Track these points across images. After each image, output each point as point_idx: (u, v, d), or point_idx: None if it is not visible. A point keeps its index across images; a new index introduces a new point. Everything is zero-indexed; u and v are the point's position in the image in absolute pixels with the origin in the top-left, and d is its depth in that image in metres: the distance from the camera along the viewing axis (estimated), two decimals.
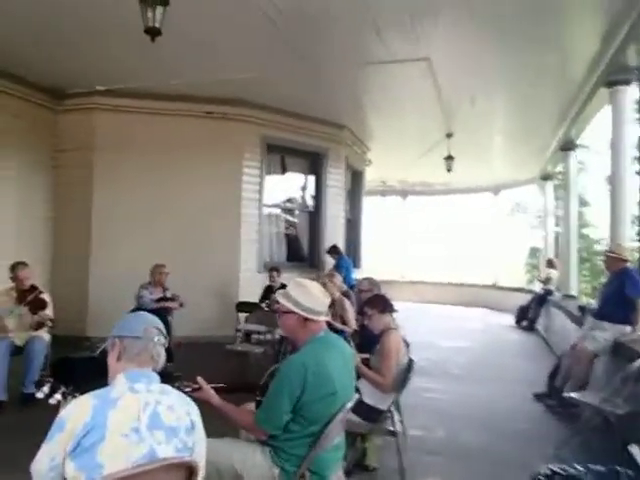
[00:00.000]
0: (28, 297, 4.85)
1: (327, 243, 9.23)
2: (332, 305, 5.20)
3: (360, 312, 4.57)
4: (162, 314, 5.94)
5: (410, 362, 3.29)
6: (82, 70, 6.89)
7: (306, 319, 2.31)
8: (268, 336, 6.56)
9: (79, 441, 1.55)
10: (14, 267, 4.97)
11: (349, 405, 2.29)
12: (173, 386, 2.04)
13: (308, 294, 2.35)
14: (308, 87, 7.35)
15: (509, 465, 3.72)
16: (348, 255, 9.94)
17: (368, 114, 9.01)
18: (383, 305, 3.55)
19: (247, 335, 6.82)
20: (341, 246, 9.74)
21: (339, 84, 7.33)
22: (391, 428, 3.19)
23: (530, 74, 6.59)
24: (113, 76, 6.92)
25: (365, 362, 3.37)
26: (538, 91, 7.16)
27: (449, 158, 9.77)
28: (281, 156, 9.08)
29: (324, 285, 5.18)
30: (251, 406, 2.44)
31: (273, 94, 7.72)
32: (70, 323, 6.42)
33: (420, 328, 9.80)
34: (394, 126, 9.50)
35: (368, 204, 12.65)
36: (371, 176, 12.82)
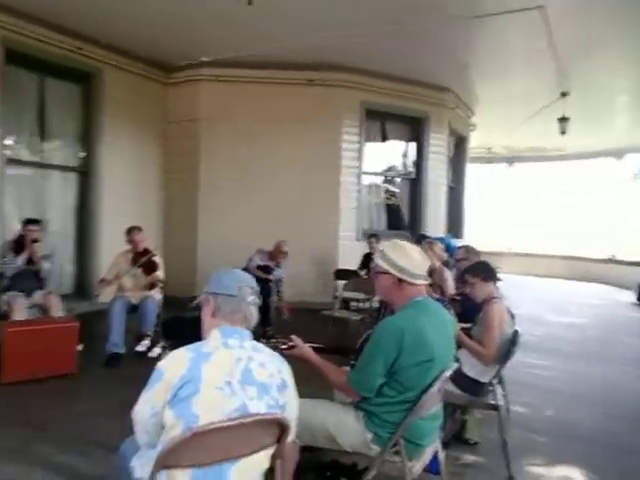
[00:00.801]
0: (142, 259, 5.18)
1: (429, 211, 8.97)
2: (431, 274, 5.05)
3: (459, 280, 4.37)
4: (262, 279, 6.13)
5: (515, 334, 3.08)
6: (189, 43, 7.13)
7: (402, 281, 2.20)
8: (366, 304, 6.54)
9: (176, 392, 1.59)
10: (130, 231, 5.33)
11: (447, 373, 2.17)
12: (267, 344, 2.05)
13: (406, 256, 2.23)
14: (410, 49, 7.04)
15: (622, 449, 3.43)
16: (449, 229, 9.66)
17: (473, 75, 8.46)
18: (486, 273, 3.33)
19: (345, 302, 6.85)
20: (442, 215, 9.43)
21: (443, 43, 6.94)
22: (493, 402, 3.02)
23: None
24: (217, 47, 7.09)
25: (466, 332, 3.21)
26: None
27: (563, 119, 8.97)
28: (381, 122, 8.86)
29: (424, 251, 5.04)
30: (346, 369, 2.40)
31: (373, 58, 7.51)
32: (180, 285, 6.82)
33: (528, 302, 9.30)
34: (502, 86, 8.86)
35: (472, 171, 12.07)
36: (475, 142, 12.19)
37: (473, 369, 3.07)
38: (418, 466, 2.19)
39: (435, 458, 2.53)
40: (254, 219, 7.38)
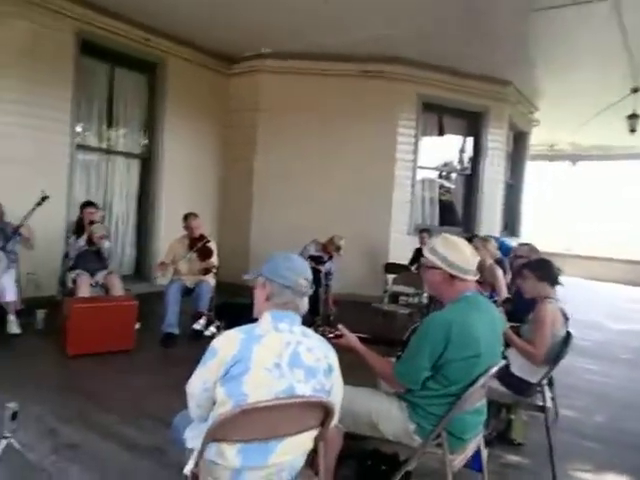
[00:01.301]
0: (197, 245, 5.36)
1: (484, 208, 8.78)
2: (482, 272, 4.97)
3: (514, 277, 4.29)
4: (313, 268, 6.21)
5: (568, 335, 3.00)
6: (251, 34, 7.25)
7: (452, 276, 2.21)
8: (416, 298, 6.52)
9: (228, 369, 1.68)
10: (186, 217, 5.52)
11: (493, 370, 2.16)
12: (315, 332, 2.11)
13: (456, 251, 2.23)
14: (469, 41, 6.87)
15: None
16: (506, 223, 9.41)
17: (537, 68, 8.16)
18: (544, 272, 3.21)
19: (395, 296, 6.84)
20: (498, 212, 9.21)
21: (505, 35, 6.74)
22: (540, 403, 2.96)
23: None
24: (277, 39, 7.20)
25: (515, 331, 3.16)
26: None
27: (634, 117, 8.54)
28: (438, 116, 8.72)
29: (476, 249, 4.96)
30: (392, 360, 2.43)
31: (431, 50, 7.39)
32: (234, 272, 7.00)
33: (586, 306, 8.96)
34: (567, 81, 8.50)
35: (532, 169, 11.69)
36: (537, 139, 11.79)
37: (522, 369, 3.03)
38: (459, 460, 2.20)
39: (478, 455, 2.53)
40: (307, 210, 7.47)
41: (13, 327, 4.87)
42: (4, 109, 5.73)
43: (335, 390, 1.86)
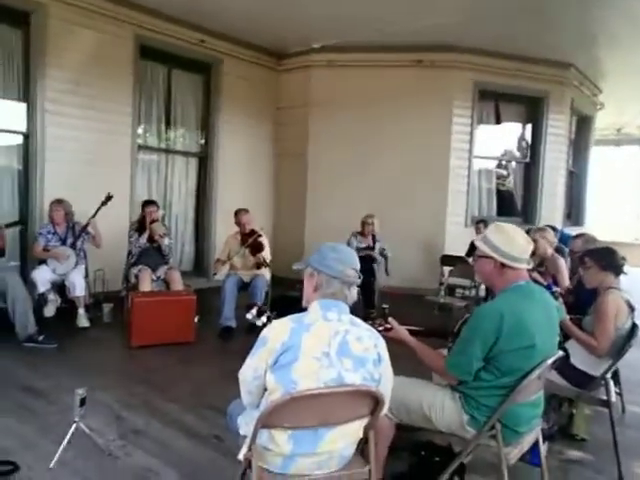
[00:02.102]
0: (249, 240, 5.46)
1: (544, 197, 8.46)
2: (542, 263, 4.80)
3: (574, 268, 4.12)
4: (367, 261, 6.20)
5: (633, 327, 2.86)
6: (300, 30, 7.30)
7: (504, 265, 2.15)
8: (473, 291, 6.38)
9: (277, 357, 1.71)
10: (237, 213, 5.62)
11: (549, 361, 2.09)
12: (365, 322, 2.12)
13: (508, 239, 2.17)
14: (527, 23, 6.61)
15: None
16: (569, 213, 9.04)
17: (602, 48, 7.73)
18: (607, 261, 3.06)
19: (451, 289, 6.72)
20: (560, 201, 8.84)
21: (566, 15, 6.43)
22: (604, 397, 2.83)
23: None
24: (327, 33, 7.20)
25: (577, 323, 3.04)
26: None
27: None
28: (495, 103, 8.46)
29: (535, 241, 4.79)
30: (443, 352, 2.40)
31: (486, 36, 7.16)
32: (289, 266, 7.10)
33: None
34: (634, 60, 8.02)
35: (598, 155, 11.13)
36: (603, 122, 11.21)
37: (583, 361, 2.91)
38: (514, 453, 2.15)
39: (536, 449, 2.46)
40: (361, 202, 7.42)
41: (82, 320, 5.16)
42: (71, 113, 6.05)
43: (384, 380, 1.86)
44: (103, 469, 2.57)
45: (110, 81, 6.41)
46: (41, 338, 4.48)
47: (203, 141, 7.84)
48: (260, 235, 5.46)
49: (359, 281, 1.90)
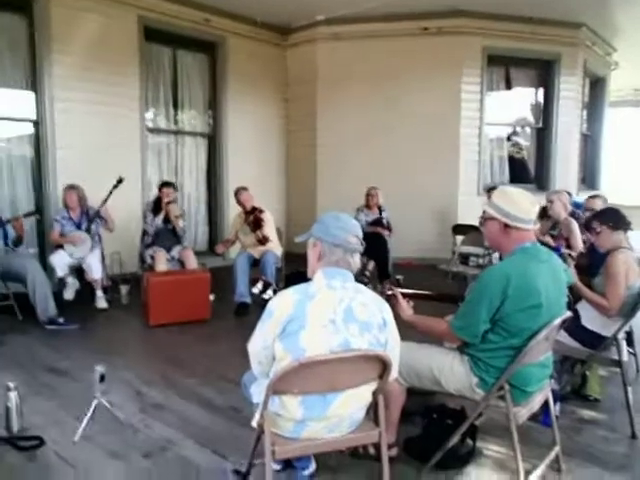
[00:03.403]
0: (250, 217, 5.49)
1: (558, 162, 8.33)
2: (556, 226, 4.77)
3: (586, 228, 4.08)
4: (376, 234, 6.21)
5: None
6: (304, 3, 7.20)
7: (507, 226, 2.15)
8: (486, 259, 6.36)
9: (284, 327, 1.75)
10: (236, 192, 5.63)
11: (557, 321, 2.10)
12: (371, 287, 2.14)
13: (511, 200, 2.16)
14: None
15: None
16: (583, 177, 8.89)
17: (615, 4, 7.49)
18: (616, 220, 3.03)
19: (464, 257, 6.71)
20: (574, 166, 8.70)
21: None
22: (616, 357, 2.84)
23: None
24: (331, 4, 7.10)
25: (587, 284, 3.02)
26: None
27: None
28: (505, 68, 8.29)
29: (550, 202, 4.76)
30: (448, 318, 2.41)
31: None
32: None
33: None
34: None
35: (614, 117, 10.88)
36: (619, 83, 10.91)
37: (593, 322, 2.91)
38: (523, 412, 2.17)
39: (548, 410, 2.49)
40: (372, 175, 7.38)
41: (101, 302, 5.28)
42: (80, 98, 6.07)
43: (391, 344, 1.89)
44: (125, 441, 2.66)
45: (116, 65, 6.42)
46: (62, 320, 4.60)
47: (211, 121, 7.83)
48: (262, 211, 5.48)
49: (362, 248, 1.92)
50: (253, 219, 5.42)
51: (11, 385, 2.71)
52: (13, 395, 2.70)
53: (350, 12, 7.21)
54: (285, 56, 8.49)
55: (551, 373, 2.39)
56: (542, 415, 2.70)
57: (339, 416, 1.83)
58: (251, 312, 5.05)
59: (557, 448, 2.43)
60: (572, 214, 4.80)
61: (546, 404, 2.42)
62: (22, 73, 5.90)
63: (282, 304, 1.80)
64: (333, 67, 7.93)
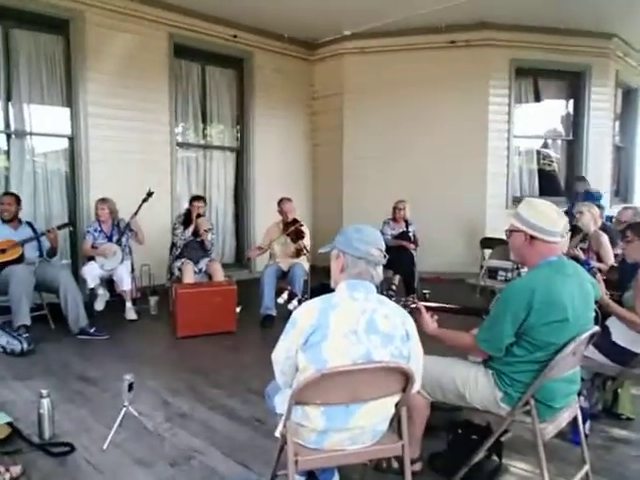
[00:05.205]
0: (290, 228, 5.56)
1: (589, 175, 8.17)
2: (585, 239, 4.68)
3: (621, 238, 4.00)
4: (404, 249, 6.19)
5: None
6: (330, 18, 7.29)
7: (533, 237, 2.13)
8: (514, 273, 6.26)
9: (307, 337, 1.77)
10: (280, 202, 5.73)
11: (583, 336, 2.06)
12: (396, 301, 2.15)
13: (537, 212, 2.14)
14: None
15: None
16: (616, 190, 8.69)
17: None
18: None
19: (492, 272, 6.63)
20: (606, 179, 8.52)
21: None
22: None
23: None
24: (357, 19, 7.17)
25: (617, 300, 2.96)
26: None
27: None
28: (533, 80, 8.22)
29: (580, 213, 4.68)
30: (473, 332, 2.39)
31: (522, 10, 6.95)
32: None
33: None
34: None
35: None
36: None
37: (625, 337, 2.84)
38: (550, 428, 2.13)
39: (576, 427, 2.44)
40: (399, 188, 7.38)
41: (130, 313, 5.39)
42: (111, 115, 6.26)
43: (414, 356, 1.88)
44: (152, 449, 2.71)
45: (147, 81, 6.61)
46: (93, 330, 4.71)
47: (239, 135, 7.96)
48: (302, 224, 5.58)
49: (384, 260, 1.93)
50: (295, 230, 5.49)
51: (44, 392, 2.79)
52: (46, 402, 2.78)
53: (376, 26, 7.27)
54: (312, 70, 8.59)
55: (580, 390, 2.34)
56: (571, 433, 2.64)
57: (361, 427, 1.83)
58: (276, 324, 5.08)
59: (586, 467, 2.37)
60: (603, 227, 4.71)
61: (575, 421, 2.36)
62: (59, 90, 6.14)
63: (306, 314, 1.82)
64: (359, 81, 8.00)
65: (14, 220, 4.99)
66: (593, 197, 7.02)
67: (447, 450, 2.54)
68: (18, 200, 5.06)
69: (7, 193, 5.19)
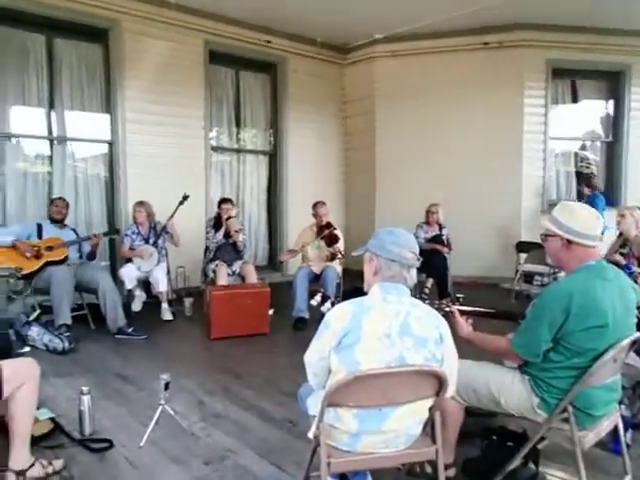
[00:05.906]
0: (325, 232, 5.57)
1: (629, 177, 7.95)
2: (626, 243, 4.55)
3: None
4: (437, 252, 6.13)
5: None
6: (362, 22, 7.30)
7: (570, 242, 2.09)
8: (550, 278, 6.14)
9: (340, 340, 1.77)
10: (315, 205, 5.77)
11: (624, 342, 2.01)
12: (430, 304, 2.13)
13: (573, 215, 2.10)
14: None
15: None
16: None
17: None
18: None
19: (528, 276, 6.51)
20: None
21: None
22: None
23: None
24: (389, 22, 7.16)
25: None
26: None
27: None
28: (571, 81, 8.04)
29: (621, 216, 4.55)
30: (508, 336, 2.35)
31: (557, 9, 6.80)
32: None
33: None
34: None
35: None
36: None
37: None
38: (590, 437, 2.08)
39: (617, 437, 2.38)
40: (431, 191, 7.33)
41: (166, 314, 5.50)
42: (149, 120, 6.43)
43: (448, 360, 1.86)
44: (186, 448, 2.76)
45: (182, 87, 6.75)
46: (130, 330, 4.83)
47: (272, 139, 8.04)
48: (335, 228, 5.60)
49: (418, 263, 1.92)
50: (329, 234, 5.52)
51: (84, 389, 2.88)
52: (86, 399, 2.86)
53: (407, 29, 7.25)
54: (344, 74, 8.62)
55: (621, 398, 2.28)
56: (612, 442, 2.57)
57: (395, 431, 1.83)
58: (309, 327, 5.10)
59: (628, 478, 2.30)
60: None
61: (616, 431, 2.30)
62: (99, 97, 6.35)
63: (339, 316, 1.82)
64: (391, 84, 7.98)
65: (61, 222, 5.21)
66: (597, 199, 6.85)
67: (482, 456, 2.50)
68: (67, 205, 5.33)
69: (60, 197, 5.42)
